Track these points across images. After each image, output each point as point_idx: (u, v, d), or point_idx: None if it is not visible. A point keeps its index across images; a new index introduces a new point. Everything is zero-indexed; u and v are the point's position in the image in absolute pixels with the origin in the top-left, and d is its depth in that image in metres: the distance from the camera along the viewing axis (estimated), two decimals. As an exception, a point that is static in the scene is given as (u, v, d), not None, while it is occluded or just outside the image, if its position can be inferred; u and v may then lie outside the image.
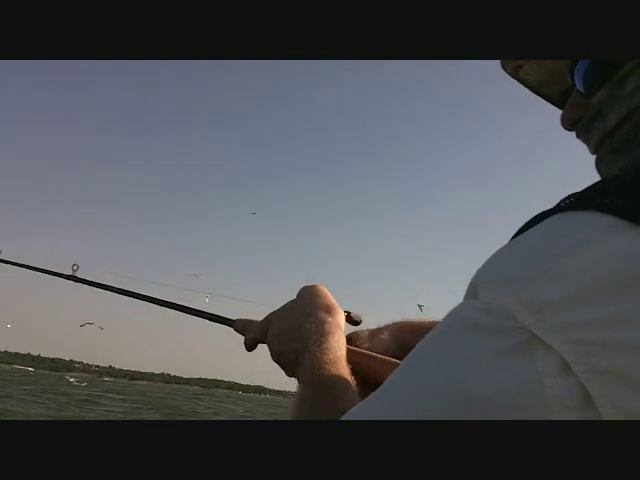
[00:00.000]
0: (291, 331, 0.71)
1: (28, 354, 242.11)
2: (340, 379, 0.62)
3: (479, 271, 0.39)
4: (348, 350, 0.71)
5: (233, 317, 0.89)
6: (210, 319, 0.93)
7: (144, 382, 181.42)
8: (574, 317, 0.33)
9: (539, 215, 0.40)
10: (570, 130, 0.58)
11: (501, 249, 0.40)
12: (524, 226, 0.42)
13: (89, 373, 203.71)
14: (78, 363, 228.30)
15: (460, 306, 0.40)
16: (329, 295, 0.76)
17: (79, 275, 1.22)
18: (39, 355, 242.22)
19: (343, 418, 0.45)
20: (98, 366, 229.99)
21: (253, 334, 0.79)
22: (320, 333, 0.68)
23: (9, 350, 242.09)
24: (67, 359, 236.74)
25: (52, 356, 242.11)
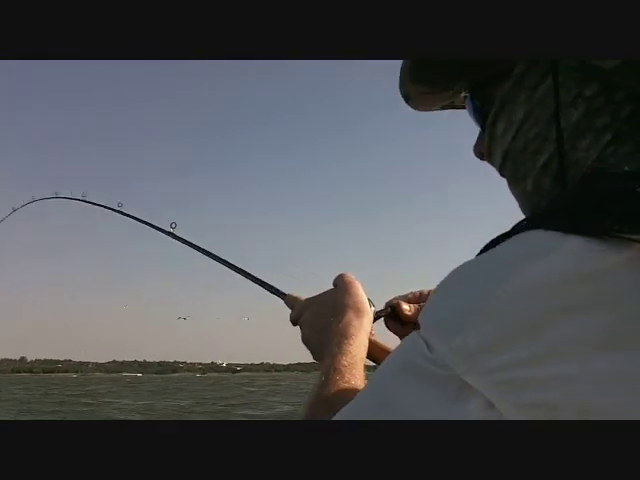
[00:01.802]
0: (319, 326, 0.80)
1: (135, 361, 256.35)
2: (347, 387, 0.66)
3: (425, 311, 0.45)
4: (370, 343, 0.79)
5: (285, 291, 0.99)
6: (269, 290, 1.03)
7: (246, 373, 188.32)
8: (495, 361, 0.37)
9: (492, 241, 0.45)
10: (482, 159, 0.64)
11: (440, 288, 0.45)
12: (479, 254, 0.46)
13: (193, 372, 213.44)
14: (182, 363, 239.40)
15: (409, 343, 0.46)
16: (360, 292, 0.83)
17: (177, 233, 1.27)
18: (145, 360, 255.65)
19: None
20: (200, 363, 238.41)
21: (293, 314, 0.89)
22: (343, 335, 0.75)
23: (117, 359, 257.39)
24: (171, 361, 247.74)
25: (157, 360, 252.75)
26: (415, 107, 0.69)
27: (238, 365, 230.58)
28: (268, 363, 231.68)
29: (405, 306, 0.85)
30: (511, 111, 0.54)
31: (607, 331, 0.35)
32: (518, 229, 0.43)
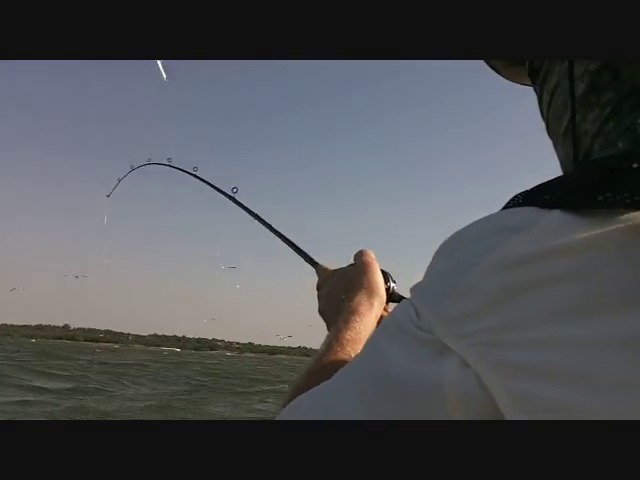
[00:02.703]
0: (333, 300, 0.86)
1: (173, 335, 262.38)
2: (346, 358, 0.70)
3: (416, 285, 0.49)
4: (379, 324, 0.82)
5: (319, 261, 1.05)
6: (305, 259, 1.09)
7: (283, 356, 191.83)
8: (473, 327, 0.40)
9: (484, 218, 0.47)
10: None
11: (433, 258, 0.49)
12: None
13: (231, 350, 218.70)
14: (220, 341, 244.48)
15: (401, 308, 0.50)
16: (375, 273, 0.87)
17: (237, 198, 1.34)
18: (184, 336, 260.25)
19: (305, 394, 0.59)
20: (239, 343, 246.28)
21: (317, 283, 0.95)
22: (351, 312, 0.80)
23: (157, 333, 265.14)
24: (209, 338, 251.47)
25: (196, 336, 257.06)
26: (507, 78, 0.70)
27: (275, 347, 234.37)
28: (306, 347, 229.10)
29: None
30: (550, 81, 0.57)
31: (586, 300, 0.37)
32: (507, 205, 0.46)
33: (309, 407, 0.56)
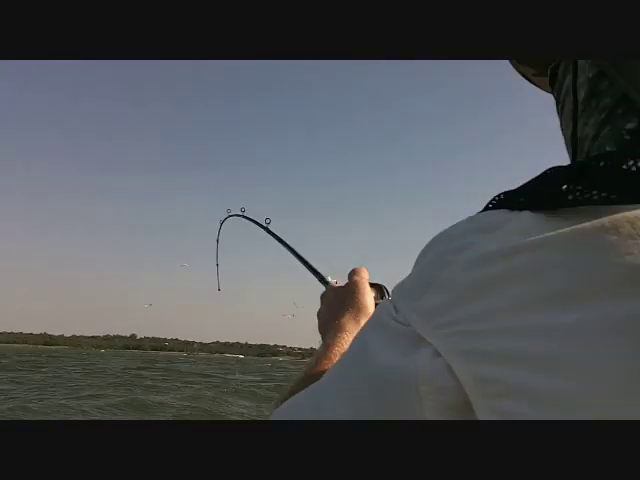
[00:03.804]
0: (326, 319, 0.94)
1: (237, 342, 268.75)
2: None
3: (397, 285, 0.53)
4: None
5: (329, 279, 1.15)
6: (318, 278, 1.17)
7: None
8: (445, 319, 0.43)
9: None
10: None
11: (417, 259, 0.52)
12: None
13: (292, 356, 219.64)
14: (282, 347, 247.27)
15: (381, 306, 0.54)
16: (362, 294, 0.93)
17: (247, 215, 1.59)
18: (246, 343, 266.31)
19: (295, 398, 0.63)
20: (300, 348, 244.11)
21: (320, 299, 1.02)
22: (340, 330, 0.86)
23: (220, 340, 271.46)
24: (271, 344, 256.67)
25: (258, 342, 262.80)
26: (537, 86, 0.73)
27: None
28: None
29: None
30: (562, 89, 0.60)
31: (548, 292, 0.39)
32: (485, 207, 0.49)
33: (302, 403, 0.60)
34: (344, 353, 0.60)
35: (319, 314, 0.98)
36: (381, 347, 0.48)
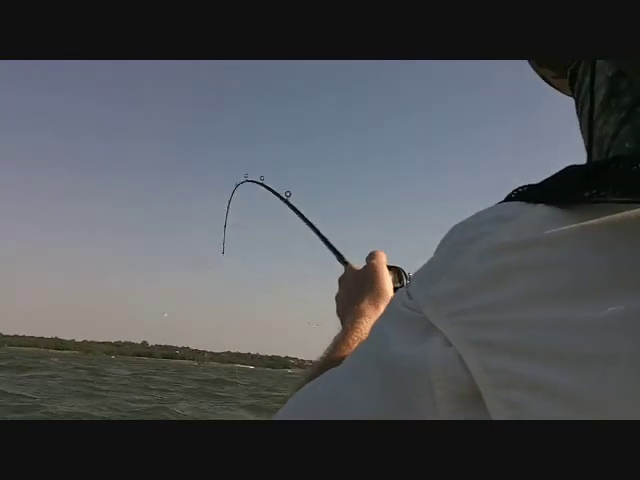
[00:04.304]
0: (345, 304, 0.94)
1: (248, 353, 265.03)
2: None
3: (414, 273, 0.54)
4: None
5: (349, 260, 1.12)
6: (337, 256, 1.15)
7: None
8: (458, 307, 0.44)
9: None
10: None
11: (435, 250, 0.52)
12: None
13: (303, 368, 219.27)
14: (293, 359, 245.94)
15: (397, 293, 0.55)
16: (382, 279, 0.93)
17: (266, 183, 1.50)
18: (257, 354, 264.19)
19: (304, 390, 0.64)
20: (311, 361, 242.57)
21: (339, 281, 1.03)
22: (358, 315, 0.87)
23: (231, 350, 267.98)
24: (283, 356, 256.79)
25: (269, 354, 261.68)
26: (557, 89, 0.73)
27: None
28: None
29: None
30: (582, 90, 0.60)
31: (560, 286, 0.40)
32: (504, 199, 0.49)
33: (320, 390, 0.60)
34: (362, 340, 0.61)
35: (337, 297, 0.99)
36: (394, 335, 0.49)
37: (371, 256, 0.97)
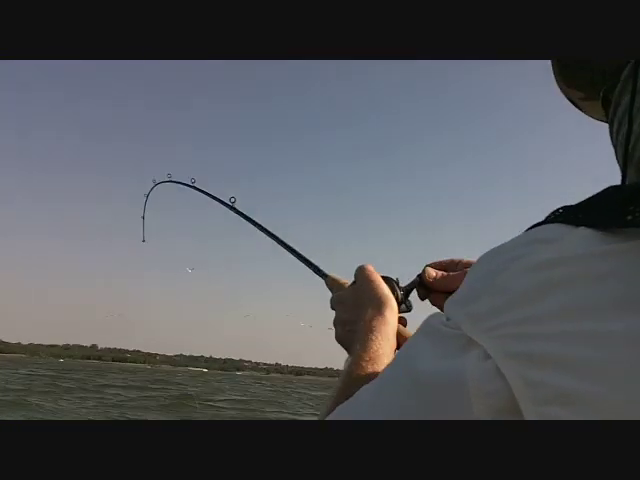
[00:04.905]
0: (349, 324, 0.88)
1: (201, 356, 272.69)
2: (368, 379, 0.65)
3: (449, 297, 0.53)
4: (398, 335, 0.84)
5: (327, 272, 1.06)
6: (313, 270, 1.10)
7: (309, 377, 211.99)
8: (497, 321, 0.44)
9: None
10: None
11: (469, 272, 0.53)
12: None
13: (257, 371, 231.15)
14: (247, 362, 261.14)
15: (434, 315, 0.54)
16: (378, 285, 0.88)
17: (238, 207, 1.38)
18: (211, 356, 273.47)
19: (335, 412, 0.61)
20: (265, 363, 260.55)
21: (331, 302, 0.95)
22: (366, 332, 0.82)
23: (184, 353, 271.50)
24: (236, 359, 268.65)
25: (223, 357, 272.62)
26: (585, 112, 0.73)
27: (302, 368, 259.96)
28: (332, 368, 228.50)
29: (431, 272, 0.92)
30: (618, 112, 0.60)
31: (600, 300, 0.41)
32: (543, 221, 0.50)
33: (353, 412, 0.58)
34: (392, 360, 0.61)
35: (336, 322, 0.92)
36: (429, 351, 0.49)
37: (360, 270, 0.92)
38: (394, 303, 0.88)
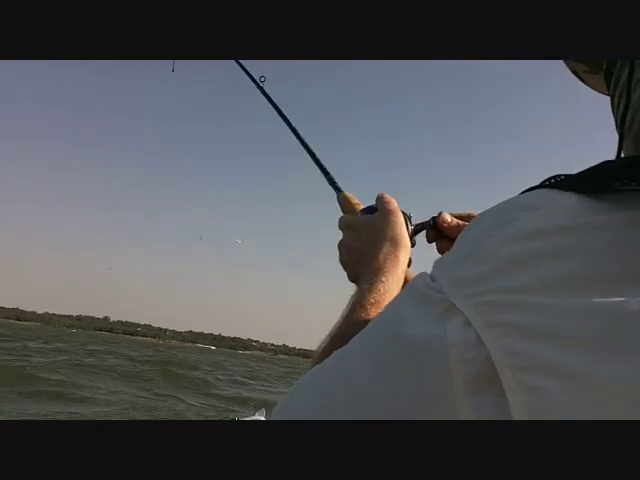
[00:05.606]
0: (356, 254, 0.84)
1: (210, 333, 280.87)
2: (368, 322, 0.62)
3: (437, 259, 0.53)
4: (405, 280, 0.81)
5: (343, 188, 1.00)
6: (328, 180, 1.04)
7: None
8: (480, 288, 0.44)
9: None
10: None
11: (459, 236, 0.52)
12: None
13: (265, 351, 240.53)
14: (255, 342, 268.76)
15: (419, 277, 0.53)
16: (399, 223, 0.84)
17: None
18: (220, 334, 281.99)
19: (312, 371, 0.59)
20: (273, 344, 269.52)
21: (340, 223, 0.90)
22: (376, 271, 0.79)
23: (193, 330, 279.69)
24: (245, 338, 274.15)
25: (231, 335, 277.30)
26: (590, 86, 0.71)
27: (309, 351, 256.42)
28: None
29: (447, 217, 0.88)
30: (619, 86, 0.59)
31: (585, 273, 0.41)
32: (534, 187, 0.50)
33: (331, 371, 0.56)
34: (377, 317, 0.57)
35: (342, 245, 0.88)
36: (411, 315, 0.49)
37: (383, 201, 0.87)
38: (409, 244, 0.85)
